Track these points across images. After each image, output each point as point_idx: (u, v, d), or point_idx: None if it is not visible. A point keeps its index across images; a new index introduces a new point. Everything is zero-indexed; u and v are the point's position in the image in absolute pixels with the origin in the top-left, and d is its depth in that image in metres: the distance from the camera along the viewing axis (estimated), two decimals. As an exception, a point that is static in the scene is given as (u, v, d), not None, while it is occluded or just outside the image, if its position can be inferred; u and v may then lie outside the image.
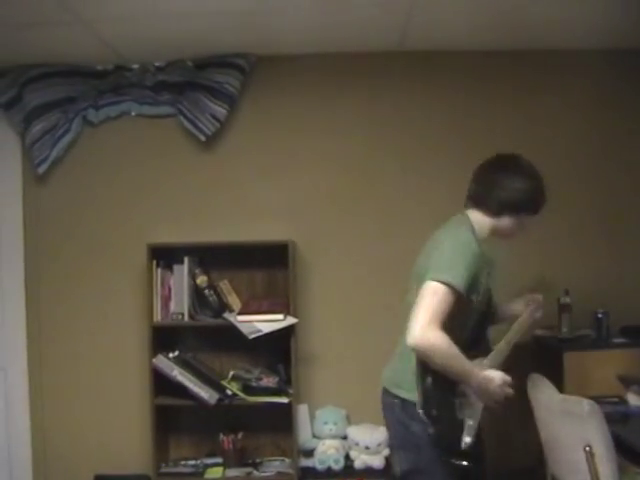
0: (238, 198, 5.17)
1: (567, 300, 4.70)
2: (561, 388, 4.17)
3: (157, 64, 5.14)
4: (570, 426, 3.39)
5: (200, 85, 5.08)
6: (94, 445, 5.18)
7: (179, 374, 4.83)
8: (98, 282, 5.21)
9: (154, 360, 4.86)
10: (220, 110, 5.07)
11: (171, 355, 4.90)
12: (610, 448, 3.24)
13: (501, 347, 3.32)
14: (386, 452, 4.84)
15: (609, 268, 5.06)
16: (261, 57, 5.10)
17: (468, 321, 3.20)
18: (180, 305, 4.92)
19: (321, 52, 5.06)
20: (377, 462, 4.89)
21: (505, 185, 3.27)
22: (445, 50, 5.06)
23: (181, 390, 4.84)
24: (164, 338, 4.99)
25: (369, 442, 4.91)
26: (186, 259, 4.92)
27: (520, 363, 4.76)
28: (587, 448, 3.25)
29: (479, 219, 3.31)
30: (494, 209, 3.27)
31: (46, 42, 4.67)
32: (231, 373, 5.00)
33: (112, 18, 4.31)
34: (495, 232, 3.32)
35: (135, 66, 5.15)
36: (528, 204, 3.30)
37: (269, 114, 5.19)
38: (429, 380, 3.08)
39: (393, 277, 4.69)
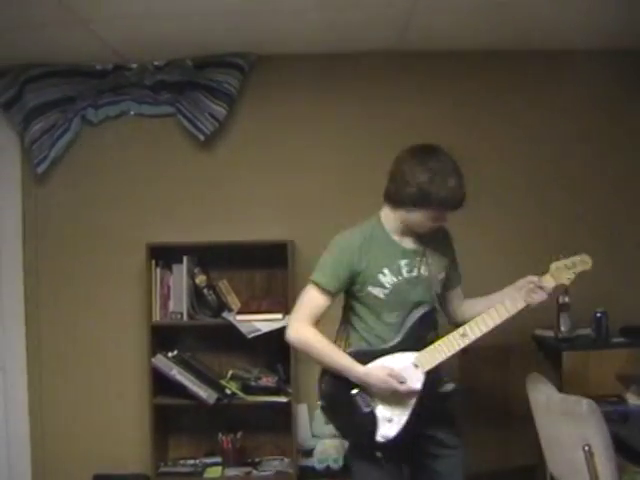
0: (237, 197, 5.17)
1: (566, 299, 4.69)
2: (560, 388, 4.17)
3: (156, 63, 5.14)
4: (569, 426, 3.38)
5: (199, 85, 5.08)
6: (93, 445, 5.18)
7: (178, 373, 4.83)
8: (97, 281, 5.21)
9: (153, 359, 4.87)
10: (219, 110, 5.07)
11: (170, 354, 4.90)
12: (609, 447, 3.24)
13: (448, 342, 3.22)
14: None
15: (608, 268, 5.05)
16: (260, 56, 5.10)
17: (382, 314, 3.23)
18: (179, 304, 4.92)
19: (320, 52, 5.06)
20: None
21: (407, 179, 3.15)
22: (444, 50, 5.06)
23: (180, 389, 4.84)
24: (163, 337, 4.99)
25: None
26: (185, 259, 4.92)
27: (519, 363, 4.81)
28: (586, 447, 3.25)
29: (388, 213, 3.28)
30: (398, 203, 3.21)
31: (45, 42, 4.67)
32: (230, 372, 5.01)
33: (111, 18, 4.31)
34: (407, 225, 3.24)
35: (134, 66, 5.15)
36: (430, 200, 3.12)
37: (268, 114, 5.20)
38: (326, 376, 3.28)
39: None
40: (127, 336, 5.17)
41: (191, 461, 5.07)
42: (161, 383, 4.87)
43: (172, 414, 5.15)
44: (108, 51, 4.88)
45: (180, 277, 4.94)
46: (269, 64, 5.13)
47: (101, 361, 5.20)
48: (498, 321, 3.26)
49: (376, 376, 3.12)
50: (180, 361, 4.90)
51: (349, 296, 3.33)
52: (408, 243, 3.27)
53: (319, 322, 3.24)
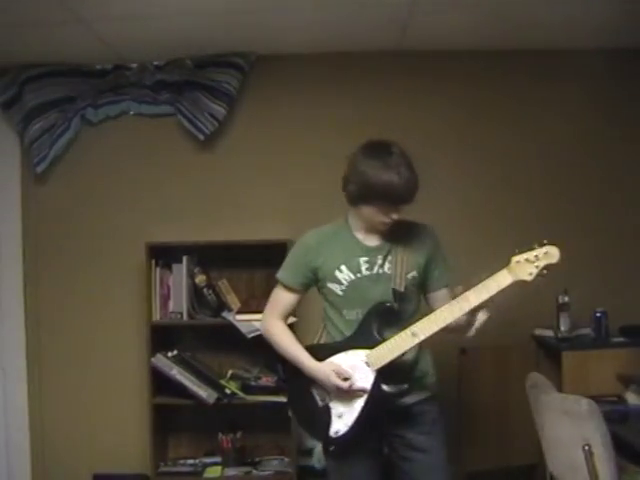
0: (237, 197, 5.17)
1: (566, 299, 4.70)
2: (560, 387, 4.18)
3: (156, 63, 5.14)
4: (569, 425, 3.39)
5: (199, 84, 5.08)
6: (93, 444, 5.18)
7: (178, 373, 4.83)
8: (97, 281, 5.21)
9: (153, 359, 4.87)
10: (219, 109, 5.07)
11: (170, 354, 4.90)
12: (609, 447, 3.25)
13: (399, 341, 3.08)
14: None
15: (608, 267, 5.06)
16: (260, 56, 5.10)
17: (342, 310, 3.26)
18: (179, 304, 4.93)
19: (320, 51, 5.06)
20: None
21: (350, 175, 3.18)
22: (445, 50, 5.06)
23: (180, 389, 4.84)
24: (163, 337, 4.99)
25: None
26: (185, 258, 4.92)
27: (519, 362, 4.81)
28: (586, 447, 3.25)
29: (351, 211, 3.29)
30: (350, 200, 3.22)
31: (45, 41, 4.67)
32: (230, 372, 5.01)
33: (111, 17, 4.31)
34: (363, 221, 3.22)
35: (134, 65, 5.15)
36: (372, 194, 3.08)
37: (268, 113, 5.20)
38: (289, 369, 3.38)
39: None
40: (127, 336, 5.17)
41: (191, 461, 5.07)
42: (161, 383, 4.87)
43: (172, 414, 5.14)
44: (108, 51, 4.88)
45: (180, 277, 4.94)
46: (269, 64, 5.13)
47: (101, 361, 5.20)
48: (450, 320, 3.04)
49: (323, 372, 3.16)
50: (180, 361, 4.90)
51: (319, 292, 3.38)
52: (372, 241, 3.24)
53: (288, 317, 3.43)
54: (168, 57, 5.10)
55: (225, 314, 4.97)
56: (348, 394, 3.13)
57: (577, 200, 5.13)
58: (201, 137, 5.12)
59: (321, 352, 3.25)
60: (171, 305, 4.95)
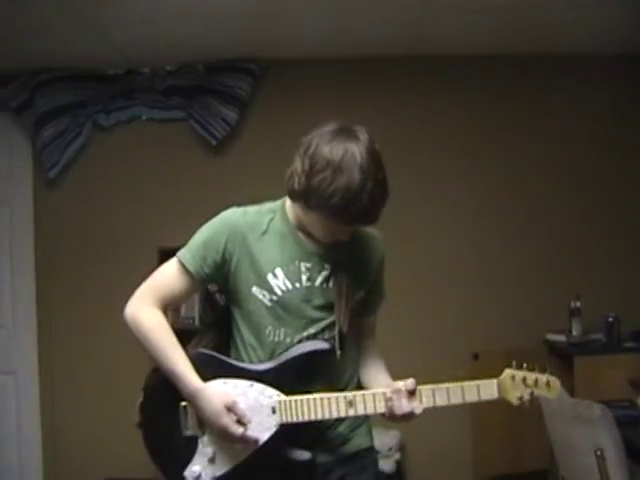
0: (248, 202, 5.16)
1: (578, 304, 4.69)
2: (572, 392, 4.18)
3: (168, 68, 5.16)
4: (581, 430, 3.38)
5: (211, 89, 5.09)
6: (104, 448, 5.18)
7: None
8: (109, 285, 5.21)
9: (164, 364, 4.86)
10: (231, 114, 5.08)
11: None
12: (621, 452, 3.24)
13: (328, 404, 2.34)
14: (397, 456, 4.83)
15: (620, 272, 5.05)
16: (272, 61, 5.11)
17: (265, 327, 2.42)
18: (191, 309, 4.94)
19: (332, 57, 5.06)
20: (388, 466, 4.84)
21: (297, 165, 2.38)
22: (455, 55, 5.06)
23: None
24: (175, 342, 4.99)
25: (379, 446, 4.87)
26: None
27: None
28: (598, 452, 3.24)
29: (290, 204, 2.51)
30: (290, 195, 2.45)
31: (57, 47, 4.69)
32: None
33: (123, 23, 4.33)
34: (301, 221, 2.43)
35: (146, 70, 5.16)
36: (316, 203, 2.26)
37: (280, 118, 5.20)
38: (154, 374, 2.61)
39: (392, 276, 4.68)
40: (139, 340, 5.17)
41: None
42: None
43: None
44: (119, 56, 4.90)
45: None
46: (280, 69, 5.13)
47: (112, 365, 5.20)
48: (380, 411, 2.34)
49: (209, 401, 2.31)
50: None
51: (227, 299, 2.55)
52: (315, 244, 2.43)
53: (167, 309, 2.56)
54: (180, 62, 5.11)
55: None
56: (235, 440, 2.32)
57: (590, 205, 5.12)
58: (213, 142, 5.13)
59: (211, 367, 2.40)
60: (183, 310, 4.96)
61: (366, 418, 2.53)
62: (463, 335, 4.96)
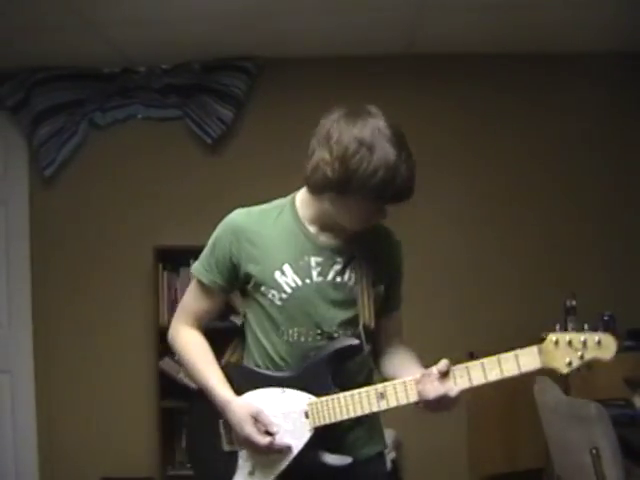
0: (244, 200, 5.12)
1: (573, 303, 4.69)
2: (567, 391, 4.17)
3: (164, 67, 5.16)
4: (577, 429, 3.38)
5: (207, 88, 5.09)
6: (100, 448, 5.18)
7: (185, 377, 4.83)
8: (104, 284, 5.21)
9: (160, 363, 4.88)
10: (227, 113, 5.08)
11: (177, 358, 4.90)
12: (617, 451, 3.24)
13: (359, 400, 2.26)
14: (392, 455, 4.83)
15: (615, 271, 5.05)
16: (268, 60, 5.11)
17: (279, 328, 2.37)
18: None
19: (329, 55, 5.06)
20: (384, 465, 4.87)
21: (324, 154, 2.25)
22: (454, 53, 5.06)
23: (188, 393, 4.84)
24: (171, 341, 4.99)
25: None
26: (192, 262, 4.91)
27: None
28: (594, 451, 3.25)
29: (306, 199, 2.43)
30: (316, 189, 2.32)
31: (53, 45, 4.69)
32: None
33: (119, 21, 4.33)
34: (324, 215, 2.35)
35: (142, 69, 5.16)
36: (354, 184, 2.17)
37: (276, 117, 5.20)
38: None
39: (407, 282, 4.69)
40: (135, 339, 5.18)
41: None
42: (169, 386, 4.87)
43: (179, 417, 5.14)
44: (116, 54, 4.89)
45: (187, 280, 4.92)
46: (277, 68, 5.13)
47: (108, 364, 5.21)
48: (434, 395, 2.19)
49: (235, 412, 2.28)
50: (187, 364, 4.90)
51: (243, 299, 2.55)
52: (328, 237, 2.38)
53: (202, 324, 2.60)
54: (176, 61, 5.11)
55: (233, 318, 4.97)
56: (272, 451, 2.25)
57: (586, 204, 5.12)
58: (209, 141, 5.13)
59: (243, 380, 2.39)
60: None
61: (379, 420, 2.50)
62: (458, 334, 4.95)
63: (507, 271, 5.05)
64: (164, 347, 4.88)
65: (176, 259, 4.99)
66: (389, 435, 4.79)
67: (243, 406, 2.27)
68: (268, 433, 2.23)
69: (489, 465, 4.82)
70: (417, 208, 5.06)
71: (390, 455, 4.87)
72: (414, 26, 4.58)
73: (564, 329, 4.70)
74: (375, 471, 2.49)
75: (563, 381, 4.33)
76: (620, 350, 4.60)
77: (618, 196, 5.13)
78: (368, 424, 2.42)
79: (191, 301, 2.56)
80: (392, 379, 2.32)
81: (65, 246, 5.24)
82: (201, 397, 2.44)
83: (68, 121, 5.14)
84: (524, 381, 3.32)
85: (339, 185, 2.20)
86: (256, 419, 2.24)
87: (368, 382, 2.35)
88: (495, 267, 5.07)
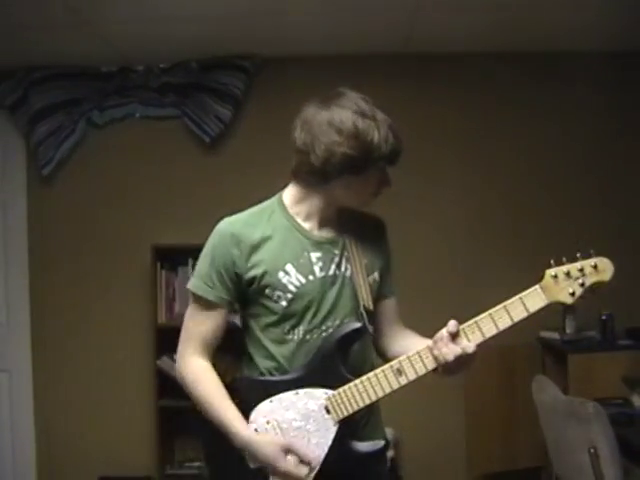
0: (242, 199, 5.13)
1: (571, 301, 4.69)
2: (566, 390, 4.18)
3: (162, 66, 5.15)
4: (575, 428, 3.38)
5: (205, 87, 5.09)
6: (98, 447, 5.18)
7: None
8: (102, 283, 5.21)
9: (158, 362, 4.87)
10: (225, 112, 5.08)
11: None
12: (615, 450, 3.24)
13: (377, 381, 2.23)
14: (391, 453, 4.83)
15: (615, 269, 5.05)
16: (266, 59, 5.10)
17: (284, 329, 2.33)
18: (185, 307, 4.91)
19: (326, 54, 5.05)
20: (382, 463, 4.86)
21: (333, 137, 2.29)
22: (449, 52, 5.05)
23: (186, 391, 4.84)
24: (169, 339, 4.97)
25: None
26: (190, 261, 4.92)
27: (524, 365, 4.80)
28: (592, 450, 3.25)
29: (298, 194, 2.47)
30: (327, 176, 2.31)
31: (51, 44, 4.68)
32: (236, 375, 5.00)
33: (117, 20, 4.32)
34: (317, 208, 2.38)
35: (140, 68, 5.15)
36: (375, 153, 2.28)
37: (274, 116, 5.18)
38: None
39: (399, 275, 4.68)
40: (133, 338, 5.18)
41: (196, 463, 5.06)
42: (167, 385, 4.86)
43: (178, 416, 5.14)
44: (114, 53, 4.89)
45: (185, 279, 4.92)
46: (274, 66, 5.13)
47: (106, 363, 5.20)
48: (431, 366, 2.22)
49: (263, 449, 2.18)
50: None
51: (244, 307, 2.48)
52: (323, 231, 2.38)
53: (212, 348, 2.47)
54: (174, 60, 5.10)
55: (231, 316, 4.97)
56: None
57: (583, 201, 5.12)
58: (207, 139, 5.13)
59: (250, 391, 2.35)
60: (177, 307, 4.96)
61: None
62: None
63: (505, 269, 5.04)
64: (162, 346, 4.90)
65: (174, 258, 4.98)
66: (388, 433, 4.78)
67: (270, 442, 2.19)
68: (302, 463, 2.18)
69: (488, 464, 4.82)
70: (413, 206, 5.11)
71: (389, 452, 4.87)
72: (410, 25, 4.57)
73: (563, 328, 4.72)
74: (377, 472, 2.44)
75: (562, 380, 4.35)
76: (618, 349, 4.63)
77: (617, 194, 5.13)
78: (375, 412, 2.40)
79: (197, 325, 2.42)
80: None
81: (63, 244, 5.24)
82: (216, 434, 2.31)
83: (66, 120, 5.14)
84: (522, 379, 3.33)
85: (361, 160, 2.25)
86: (288, 451, 2.17)
87: (373, 365, 2.34)
88: (492, 265, 5.06)
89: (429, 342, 2.26)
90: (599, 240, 4.99)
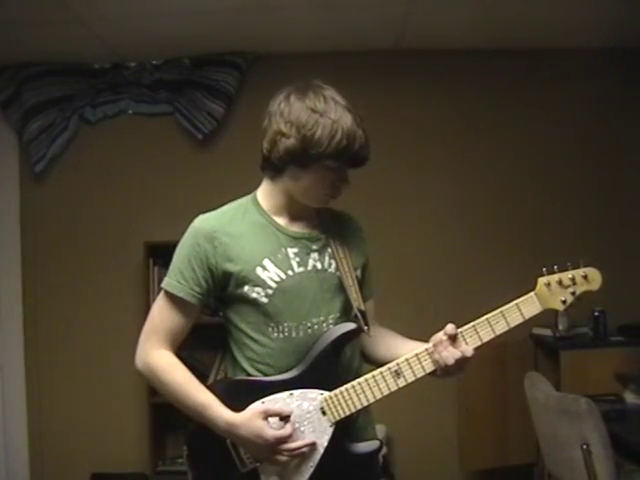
0: (235, 196, 5.15)
1: (564, 298, 4.70)
2: (558, 386, 4.19)
3: (154, 62, 5.14)
4: (567, 424, 3.39)
5: (197, 83, 5.08)
6: (91, 443, 5.18)
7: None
8: (95, 280, 5.20)
9: (151, 358, 4.86)
10: (217, 108, 5.07)
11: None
12: (607, 446, 3.25)
13: (374, 382, 2.23)
14: (383, 450, 4.82)
15: (606, 266, 5.05)
16: (259, 55, 5.10)
17: (267, 328, 2.28)
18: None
19: (319, 50, 5.04)
20: (374, 460, 4.87)
21: (282, 128, 2.36)
22: (442, 49, 5.05)
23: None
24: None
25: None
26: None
27: (517, 361, 4.81)
28: (584, 446, 3.26)
29: (267, 189, 2.45)
30: (277, 168, 2.36)
31: (44, 40, 4.67)
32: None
33: (110, 16, 4.31)
34: (297, 199, 2.35)
35: (132, 64, 5.14)
36: (321, 148, 2.23)
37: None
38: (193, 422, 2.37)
39: (391, 276, 4.69)
40: (125, 335, 5.16)
41: (189, 460, 5.07)
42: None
43: (170, 413, 5.12)
44: (106, 50, 4.88)
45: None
46: (267, 63, 5.12)
47: (99, 360, 5.19)
48: (430, 369, 2.25)
49: (246, 427, 2.14)
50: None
51: (222, 306, 2.46)
52: (298, 226, 2.36)
53: (177, 345, 2.46)
54: (166, 56, 5.10)
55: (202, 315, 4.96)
56: (288, 454, 2.16)
57: (577, 199, 5.12)
58: (199, 136, 5.12)
59: (238, 393, 2.25)
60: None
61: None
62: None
63: (497, 266, 5.04)
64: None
65: (167, 254, 4.92)
66: (380, 431, 4.79)
67: (249, 417, 2.14)
68: (285, 420, 2.16)
69: (480, 460, 4.82)
70: (404, 203, 5.11)
71: (381, 451, 4.87)
72: (403, 21, 4.57)
73: (555, 325, 4.72)
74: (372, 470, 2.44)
75: (554, 377, 4.36)
76: (610, 346, 4.65)
77: (609, 192, 5.14)
78: (366, 410, 2.34)
79: (164, 320, 2.40)
80: (384, 358, 2.34)
81: (56, 241, 5.23)
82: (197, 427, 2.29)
83: (58, 117, 5.12)
84: (515, 376, 3.33)
85: (300, 154, 2.24)
86: (267, 415, 2.14)
87: (361, 365, 2.38)
88: (485, 262, 5.07)
89: (411, 341, 2.36)
90: (594, 240, 5.05)
